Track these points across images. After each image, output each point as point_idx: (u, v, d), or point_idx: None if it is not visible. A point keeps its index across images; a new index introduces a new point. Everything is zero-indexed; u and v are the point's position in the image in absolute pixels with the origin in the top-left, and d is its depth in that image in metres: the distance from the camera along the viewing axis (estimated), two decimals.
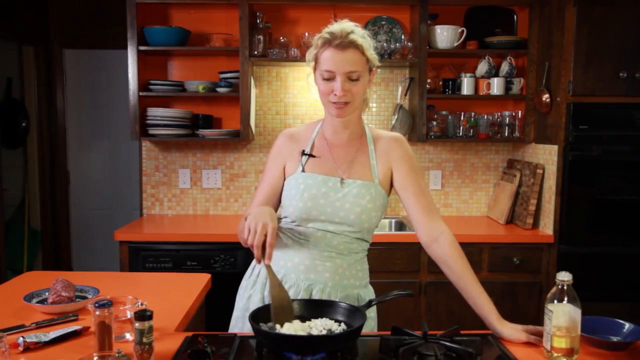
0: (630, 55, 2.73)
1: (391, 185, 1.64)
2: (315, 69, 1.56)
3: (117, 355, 1.18)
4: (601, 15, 2.72)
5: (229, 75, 3.20)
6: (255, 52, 3.11)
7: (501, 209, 3.23)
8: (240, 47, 3.06)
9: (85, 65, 4.71)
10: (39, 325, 1.46)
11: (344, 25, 1.51)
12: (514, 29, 3.30)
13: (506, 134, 3.26)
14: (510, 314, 1.53)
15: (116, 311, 1.35)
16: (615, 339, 1.39)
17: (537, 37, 3.10)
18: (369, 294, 1.66)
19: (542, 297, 2.83)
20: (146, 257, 2.86)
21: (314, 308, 1.39)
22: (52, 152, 4.65)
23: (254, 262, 1.72)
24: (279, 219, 1.62)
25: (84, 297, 1.65)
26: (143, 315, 1.19)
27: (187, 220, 3.26)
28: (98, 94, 4.74)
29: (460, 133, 3.29)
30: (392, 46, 3.14)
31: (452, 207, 3.50)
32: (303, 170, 1.61)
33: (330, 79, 1.50)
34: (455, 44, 3.14)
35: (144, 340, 1.19)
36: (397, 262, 2.87)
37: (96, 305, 1.24)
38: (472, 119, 3.26)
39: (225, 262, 2.86)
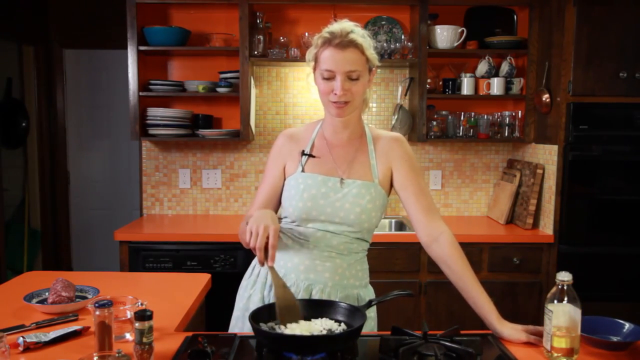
0: (630, 55, 2.73)
1: (391, 185, 1.64)
2: (315, 68, 1.56)
3: (117, 355, 1.18)
4: (601, 15, 2.72)
5: (229, 75, 3.20)
6: (255, 52, 3.11)
7: (501, 209, 3.23)
8: (240, 47, 3.06)
9: (85, 65, 4.71)
10: (39, 325, 1.46)
11: (343, 24, 1.51)
12: (514, 29, 3.30)
13: (506, 134, 3.25)
14: (510, 314, 1.53)
15: (116, 311, 1.35)
16: (615, 339, 1.39)
17: (537, 37, 3.10)
18: (369, 294, 1.66)
19: (542, 297, 2.83)
20: (146, 257, 2.86)
21: (314, 308, 1.39)
22: (52, 152, 4.65)
23: (254, 262, 1.72)
24: (279, 219, 1.62)
25: (84, 297, 1.65)
26: (143, 315, 1.19)
27: (187, 220, 3.26)
28: (98, 94, 4.74)
29: (460, 133, 3.29)
30: (392, 46, 3.14)
31: (452, 207, 3.50)
32: (303, 171, 1.61)
33: (330, 78, 1.50)
34: (455, 44, 3.14)
35: (144, 340, 1.19)
36: (397, 262, 2.87)
37: (96, 305, 1.24)
38: (472, 119, 3.26)
39: (225, 262, 2.86)
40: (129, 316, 1.38)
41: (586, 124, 2.79)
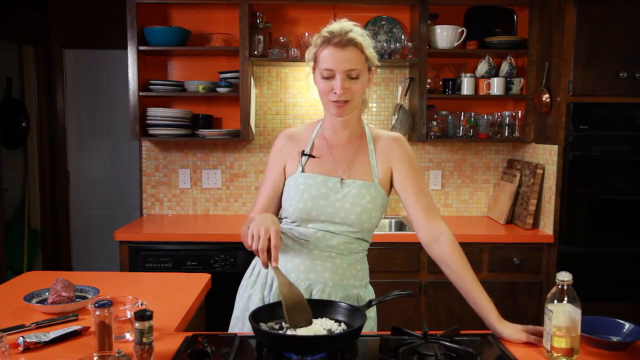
0: (630, 55, 2.73)
1: (391, 185, 1.64)
2: (314, 68, 1.56)
3: (117, 355, 1.18)
4: (601, 15, 2.72)
5: (229, 75, 3.20)
6: (255, 52, 3.11)
7: (501, 209, 3.23)
8: (240, 47, 3.06)
9: (85, 65, 4.71)
10: (39, 325, 1.46)
11: (343, 24, 1.51)
12: (514, 29, 3.30)
13: (506, 134, 3.25)
14: (510, 314, 1.53)
15: (116, 311, 1.35)
16: (615, 339, 1.39)
17: (537, 37, 3.10)
18: (369, 294, 1.66)
19: (542, 297, 2.83)
20: (146, 257, 2.86)
21: (314, 308, 1.38)
22: (52, 152, 4.65)
23: (254, 262, 1.72)
24: (280, 219, 1.62)
25: (84, 297, 1.65)
26: (143, 315, 1.19)
27: (187, 220, 3.26)
28: (98, 94, 4.74)
29: (460, 133, 3.29)
30: (392, 46, 3.14)
31: (452, 207, 3.50)
32: (303, 171, 1.61)
33: (329, 77, 1.50)
34: (455, 44, 3.14)
35: (144, 340, 1.19)
36: (397, 262, 2.87)
37: (96, 305, 1.24)
38: (472, 119, 3.26)
39: (225, 262, 2.86)
40: (129, 316, 1.38)
41: (586, 124, 2.79)
